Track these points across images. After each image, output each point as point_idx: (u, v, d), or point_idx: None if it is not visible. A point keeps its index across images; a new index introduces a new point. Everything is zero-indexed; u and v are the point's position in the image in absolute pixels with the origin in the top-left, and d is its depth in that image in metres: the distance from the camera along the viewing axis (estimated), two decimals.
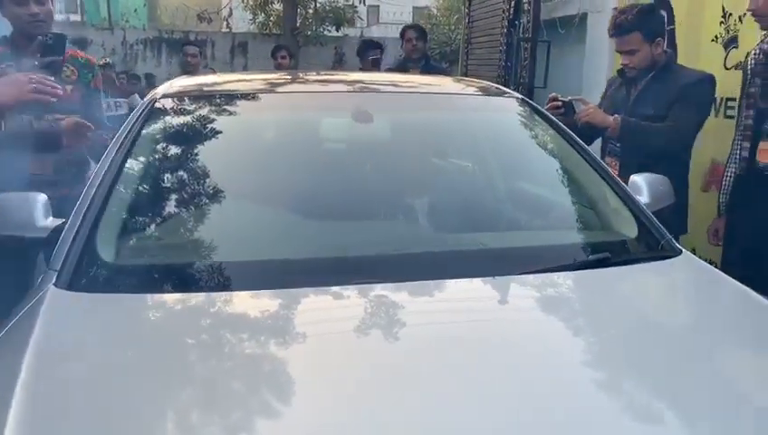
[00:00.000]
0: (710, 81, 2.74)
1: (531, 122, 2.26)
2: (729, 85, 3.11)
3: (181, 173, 1.86)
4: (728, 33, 3.10)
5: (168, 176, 1.85)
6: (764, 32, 2.48)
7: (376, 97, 2.30)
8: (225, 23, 13.71)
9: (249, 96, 2.18)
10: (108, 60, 7.15)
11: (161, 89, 2.20)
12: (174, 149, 1.93)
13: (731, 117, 3.10)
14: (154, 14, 18.91)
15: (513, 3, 4.55)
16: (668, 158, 2.62)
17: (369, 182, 1.96)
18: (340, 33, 13.50)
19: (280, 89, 2.37)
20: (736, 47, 3.07)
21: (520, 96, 2.45)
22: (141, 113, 2.01)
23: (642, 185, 2.12)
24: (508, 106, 2.35)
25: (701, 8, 3.27)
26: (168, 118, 2.01)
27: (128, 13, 15.43)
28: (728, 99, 3.12)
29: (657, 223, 1.85)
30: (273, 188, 1.88)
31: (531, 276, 1.54)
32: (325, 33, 12.81)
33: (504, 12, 4.73)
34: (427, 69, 4.62)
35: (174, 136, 1.95)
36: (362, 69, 5.08)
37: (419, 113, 2.26)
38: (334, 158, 2.10)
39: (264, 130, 2.15)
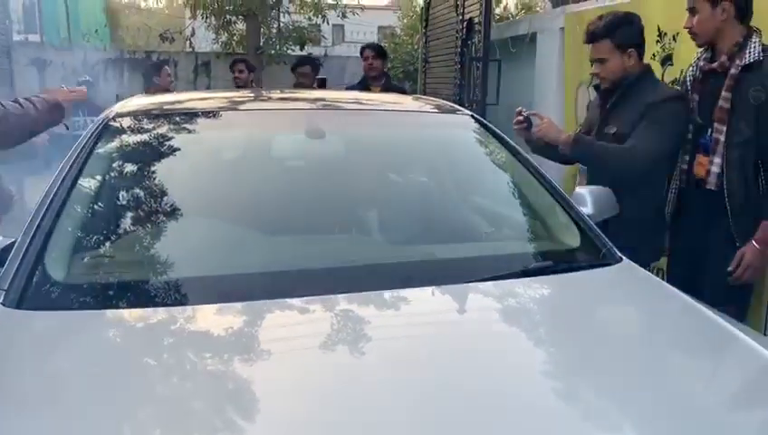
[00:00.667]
0: (679, 99, 2.57)
1: (481, 138, 2.36)
2: None
3: (133, 191, 1.90)
4: (664, 51, 3.26)
5: (119, 193, 1.88)
6: (700, 49, 2.59)
7: (331, 114, 2.39)
8: (187, 42, 13.67)
9: (204, 114, 2.24)
10: (87, 78, 7.12)
11: (116, 107, 2.24)
12: (126, 167, 1.97)
13: None
14: (115, 34, 18.77)
15: (465, 23, 4.69)
16: (638, 181, 2.53)
17: (323, 197, 2.03)
18: (303, 52, 13.56)
19: (235, 106, 2.44)
20: (671, 64, 3.22)
21: (470, 113, 2.56)
22: (95, 131, 2.04)
23: (586, 197, 2.22)
24: (459, 123, 2.45)
25: None
26: (120, 136, 2.05)
27: (89, 33, 15.29)
28: None
29: (599, 232, 1.95)
30: (226, 203, 1.93)
31: (476, 285, 1.61)
32: (288, 52, 12.86)
33: (457, 32, 4.87)
34: (388, 88, 4.72)
35: (126, 154, 1.99)
36: (296, 85, 5.40)
37: (372, 129, 2.35)
38: (288, 174, 2.17)
39: (217, 147, 2.21)
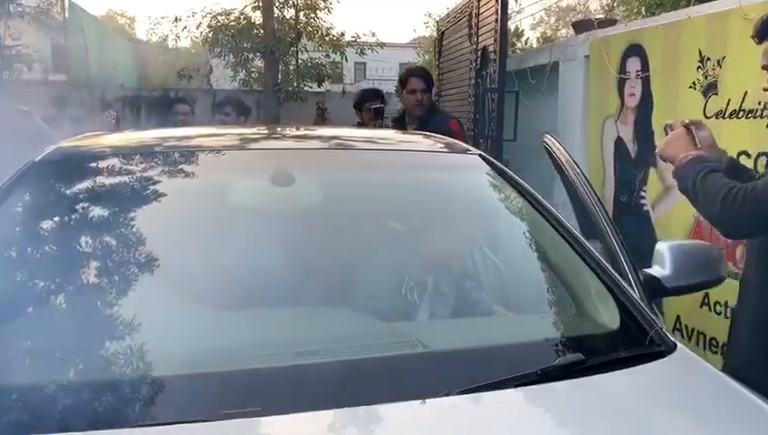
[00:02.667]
0: None
1: (492, 184, 1.93)
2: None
3: (45, 252, 1.51)
4: (707, 78, 2.82)
5: (26, 256, 1.50)
6: None
7: (305, 155, 1.97)
8: (206, 79, 13.61)
9: (152, 155, 1.84)
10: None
11: (53, 147, 1.88)
12: (42, 223, 1.59)
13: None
14: (142, 72, 18.88)
15: (479, 53, 4.31)
16: None
17: (286, 265, 1.58)
18: (321, 89, 13.40)
19: (195, 145, 2.03)
20: (716, 94, 2.78)
21: (479, 153, 2.14)
22: (16, 175, 1.68)
23: (665, 254, 1.69)
24: (466, 165, 2.03)
25: (677, 53, 3.01)
26: (45, 182, 1.68)
27: (112, 71, 15.33)
28: None
29: (644, 308, 1.48)
30: (153, 282, 1.46)
31: (477, 396, 1.13)
32: (305, 88, 12.69)
33: (471, 62, 4.48)
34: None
35: (46, 206, 1.61)
36: (361, 123, 4.30)
37: (357, 173, 1.93)
38: (244, 235, 1.69)
39: (158, 197, 1.79)
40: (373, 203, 1.83)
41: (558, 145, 1.91)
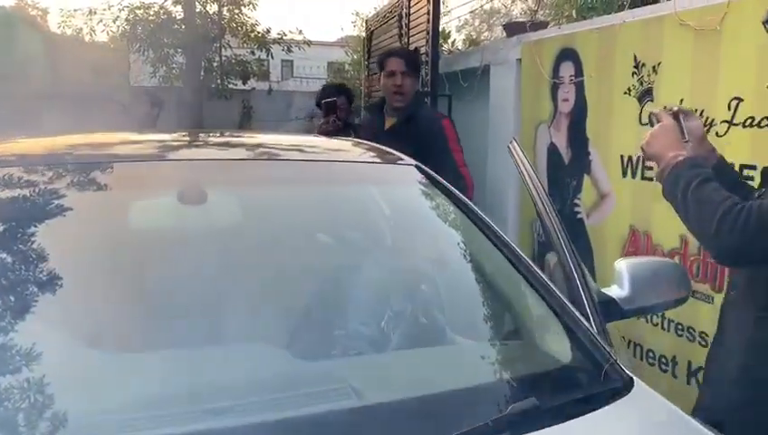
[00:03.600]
0: None
1: (427, 199, 1.77)
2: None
3: None
4: (642, 84, 2.75)
5: None
6: None
7: (224, 167, 1.74)
8: (123, 77, 12.98)
9: (38, 167, 1.57)
10: None
11: None
12: None
13: (649, 178, 2.73)
14: (56, 68, 17.90)
15: None
16: None
17: (191, 299, 1.36)
18: (247, 87, 13.03)
19: (91, 156, 1.76)
20: (651, 100, 2.72)
21: (415, 163, 1.97)
22: None
23: (624, 272, 1.57)
24: (399, 177, 1.86)
25: (612, 58, 2.94)
26: None
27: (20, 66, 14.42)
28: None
29: (597, 338, 1.35)
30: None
31: None
32: (230, 86, 12.30)
33: None
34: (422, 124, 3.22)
35: None
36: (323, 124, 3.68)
37: (282, 189, 1.73)
38: (146, 262, 1.47)
39: (39, 219, 1.53)
40: (296, 223, 1.63)
41: (520, 153, 1.76)
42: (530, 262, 1.64)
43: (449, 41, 13.63)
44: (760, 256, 1.50)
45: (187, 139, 2.18)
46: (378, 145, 2.27)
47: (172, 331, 1.25)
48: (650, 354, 2.80)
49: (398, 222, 1.81)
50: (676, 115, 1.74)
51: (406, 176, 1.85)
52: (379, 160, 1.99)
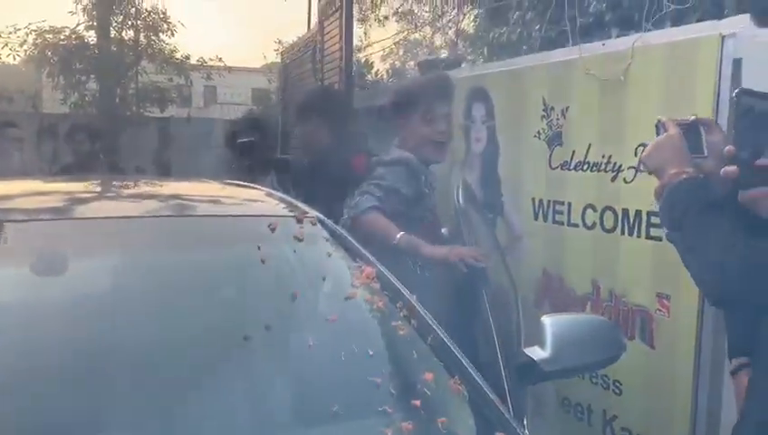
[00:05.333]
0: None
1: (329, 260, 1.66)
2: (554, 187, 2.73)
3: None
4: (551, 128, 2.74)
5: None
6: None
7: (97, 227, 1.57)
8: (31, 102, 12.36)
9: None
10: None
11: None
12: None
13: (560, 222, 2.71)
14: None
15: None
16: None
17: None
18: (165, 114, 12.64)
19: None
20: (560, 145, 2.70)
21: (321, 218, 1.86)
22: None
23: (547, 329, 1.51)
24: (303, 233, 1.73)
25: (521, 101, 2.92)
26: None
27: None
28: (555, 202, 2.74)
29: (508, 416, 1.27)
30: None
31: None
32: (146, 114, 11.90)
33: None
34: None
35: None
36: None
37: (163, 253, 1.58)
38: None
39: None
40: (177, 296, 1.47)
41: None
42: (433, 323, 1.55)
43: (372, 71, 13.71)
44: (756, 301, 1.33)
45: (66, 188, 1.99)
46: (284, 196, 2.16)
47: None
48: (566, 402, 2.74)
49: (297, 283, 1.68)
50: (694, 124, 1.51)
51: (309, 231, 1.74)
52: (280, 215, 1.87)
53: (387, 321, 1.50)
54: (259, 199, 2.08)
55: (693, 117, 1.54)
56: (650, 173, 1.52)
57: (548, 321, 1.56)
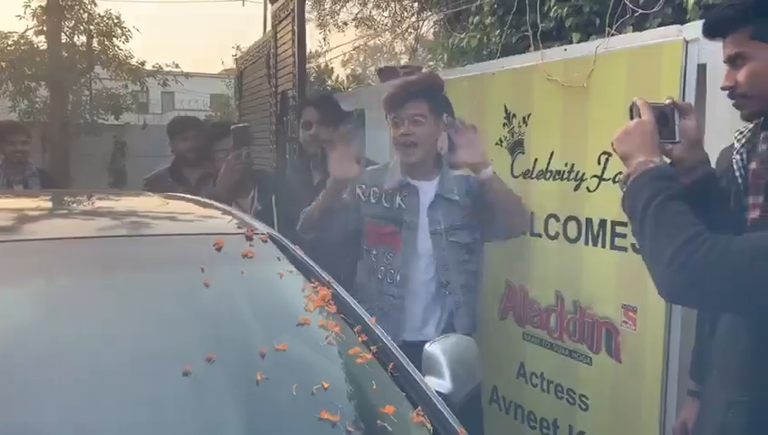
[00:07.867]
0: None
1: (280, 278, 1.55)
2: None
3: None
4: (513, 136, 2.66)
5: None
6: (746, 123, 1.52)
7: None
8: None
9: None
10: None
11: None
12: None
13: (522, 232, 2.63)
14: None
15: (279, 97, 3.93)
16: None
17: None
18: (120, 122, 12.33)
19: None
20: (522, 153, 2.63)
21: (272, 234, 1.75)
22: None
23: (439, 358, 1.47)
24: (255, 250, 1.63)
25: (482, 108, 2.84)
26: None
27: None
28: None
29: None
30: None
31: None
32: (100, 121, 11.59)
33: (271, 106, 4.10)
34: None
35: None
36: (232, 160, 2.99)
37: (105, 275, 1.46)
38: None
39: None
40: (114, 319, 1.36)
41: None
42: (394, 349, 1.45)
43: (333, 76, 13.59)
44: (714, 300, 1.29)
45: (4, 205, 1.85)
46: (234, 211, 2.05)
47: None
48: (531, 417, 2.67)
49: (242, 308, 1.56)
50: (669, 109, 1.45)
51: (259, 250, 1.63)
52: (228, 232, 1.75)
53: (343, 348, 1.40)
54: (208, 215, 1.96)
55: (668, 100, 1.48)
56: (622, 159, 1.44)
57: (437, 348, 1.53)
